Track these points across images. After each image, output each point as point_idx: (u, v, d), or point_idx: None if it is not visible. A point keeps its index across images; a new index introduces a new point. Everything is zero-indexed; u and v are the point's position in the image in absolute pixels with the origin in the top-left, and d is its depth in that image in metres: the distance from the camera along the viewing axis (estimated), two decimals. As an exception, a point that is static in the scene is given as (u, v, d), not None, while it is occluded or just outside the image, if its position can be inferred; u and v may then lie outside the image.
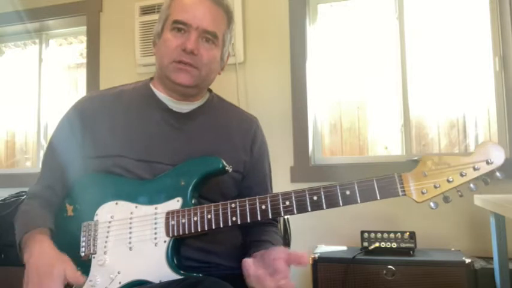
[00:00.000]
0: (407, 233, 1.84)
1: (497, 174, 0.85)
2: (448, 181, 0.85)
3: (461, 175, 0.85)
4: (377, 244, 1.85)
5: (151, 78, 1.18)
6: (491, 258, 1.72)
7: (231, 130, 1.16)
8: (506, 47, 2.11)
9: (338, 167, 2.25)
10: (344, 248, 2.01)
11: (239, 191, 1.14)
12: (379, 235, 1.87)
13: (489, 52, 2.19)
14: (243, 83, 2.40)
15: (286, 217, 2.09)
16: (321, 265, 1.83)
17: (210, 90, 1.22)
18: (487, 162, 0.85)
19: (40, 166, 1.16)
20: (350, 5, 2.50)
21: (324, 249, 1.99)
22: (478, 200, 1.69)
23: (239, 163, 1.13)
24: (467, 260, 1.68)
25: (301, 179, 2.25)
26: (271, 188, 1.25)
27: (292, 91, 2.33)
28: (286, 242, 2.09)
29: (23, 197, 1.14)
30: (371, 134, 2.43)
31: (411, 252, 1.81)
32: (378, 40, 2.41)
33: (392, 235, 1.85)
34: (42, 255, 0.93)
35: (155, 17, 2.42)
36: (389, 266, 1.74)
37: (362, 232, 1.90)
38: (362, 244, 1.88)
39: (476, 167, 0.85)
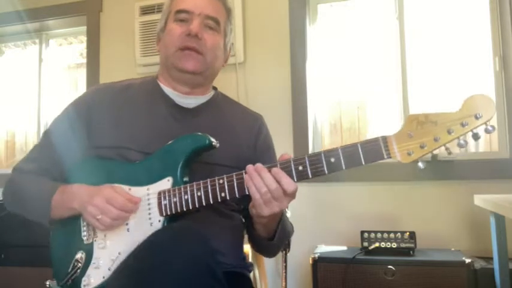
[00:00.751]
0: (407, 233, 1.84)
1: (488, 128, 0.79)
2: (435, 140, 0.81)
3: (449, 132, 0.80)
4: (377, 244, 1.85)
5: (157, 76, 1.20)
6: (491, 258, 1.71)
7: (235, 127, 1.17)
8: (506, 47, 2.11)
9: (338, 167, 2.25)
10: (344, 248, 2.01)
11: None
12: (379, 235, 1.87)
13: (489, 52, 2.19)
14: (243, 83, 2.40)
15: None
16: (321, 265, 1.83)
17: (215, 88, 1.24)
18: (476, 117, 0.79)
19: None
20: (350, 5, 2.50)
21: (324, 249, 1.99)
22: (478, 200, 1.69)
23: (242, 160, 1.13)
24: (467, 260, 1.68)
25: (301, 179, 2.25)
26: None
27: (292, 91, 2.33)
28: (286, 242, 2.09)
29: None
30: (371, 134, 2.43)
31: (411, 252, 1.81)
32: (378, 40, 2.41)
33: (392, 235, 1.85)
34: (86, 188, 0.99)
35: (155, 17, 2.42)
36: (389, 266, 1.74)
37: (362, 232, 1.90)
38: (362, 244, 1.88)
39: (464, 122, 0.79)
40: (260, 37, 2.41)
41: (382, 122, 2.40)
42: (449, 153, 0.82)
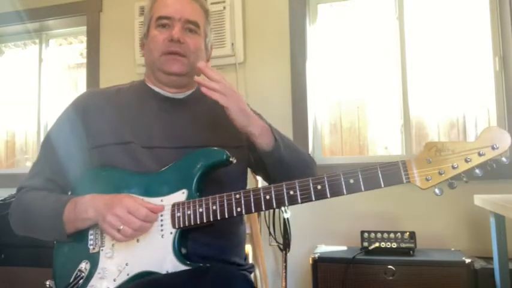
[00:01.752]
0: (407, 233, 1.84)
1: (503, 159, 0.83)
2: (453, 167, 0.84)
3: (466, 161, 0.83)
4: (377, 244, 1.85)
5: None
6: (491, 258, 1.72)
7: (222, 110, 1.18)
8: (506, 47, 2.11)
9: (338, 167, 2.25)
10: (344, 248, 2.02)
11: (258, 164, 1.13)
12: (379, 235, 1.87)
13: (489, 52, 2.19)
14: (243, 83, 2.40)
15: (286, 217, 2.09)
16: (321, 265, 1.83)
17: None
18: (493, 148, 0.82)
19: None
20: (350, 5, 2.50)
21: (324, 249, 1.99)
22: (478, 200, 1.69)
23: (240, 137, 1.13)
24: (467, 260, 1.68)
25: (301, 179, 2.25)
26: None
27: (292, 91, 2.33)
28: (287, 242, 2.10)
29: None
30: (371, 134, 2.43)
31: (411, 252, 1.81)
32: (377, 40, 2.41)
33: (392, 235, 1.85)
34: (102, 197, 0.98)
35: (155, 17, 2.42)
36: (390, 266, 1.74)
37: (362, 232, 1.90)
38: (362, 244, 1.88)
39: (481, 152, 0.83)
40: (260, 37, 2.41)
41: (382, 122, 2.40)
42: (466, 181, 0.85)
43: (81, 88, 2.91)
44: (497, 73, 2.15)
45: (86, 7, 2.74)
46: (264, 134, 1.03)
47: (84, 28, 2.77)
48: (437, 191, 0.85)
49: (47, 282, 1.05)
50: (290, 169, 1.07)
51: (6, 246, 2.14)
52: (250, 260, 1.86)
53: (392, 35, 2.36)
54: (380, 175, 0.86)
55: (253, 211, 0.93)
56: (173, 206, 0.97)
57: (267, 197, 0.91)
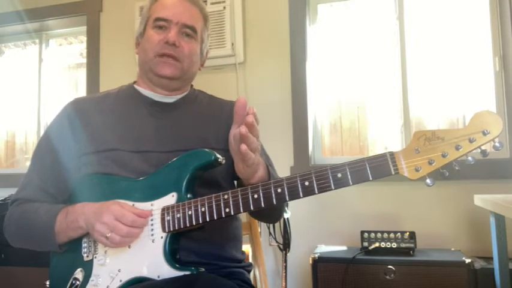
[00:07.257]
0: (407, 233, 1.84)
1: (496, 144, 0.79)
2: (443, 156, 0.81)
3: (457, 149, 0.80)
4: (377, 244, 1.85)
5: (134, 82, 1.23)
6: (491, 258, 1.72)
7: (213, 114, 1.20)
8: (506, 47, 2.11)
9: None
10: (344, 248, 2.02)
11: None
12: (379, 235, 1.87)
13: (489, 52, 2.19)
14: (243, 83, 2.40)
15: (286, 217, 2.09)
16: (321, 265, 1.83)
17: (190, 86, 1.27)
18: (484, 133, 0.79)
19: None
20: (350, 5, 2.50)
21: (324, 249, 1.99)
22: (478, 200, 1.69)
23: (227, 141, 1.14)
24: (467, 260, 1.68)
25: (301, 179, 2.25)
26: (268, 157, 1.22)
27: (292, 91, 2.33)
28: (286, 242, 2.10)
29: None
30: (371, 134, 2.43)
31: (411, 252, 1.81)
32: (377, 40, 2.41)
33: (392, 235, 1.85)
34: (91, 205, 0.98)
35: (155, 17, 2.42)
36: (389, 266, 1.74)
37: (362, 232, 1.90)
38: (362, 244, 1.88)
39: (472, 138, 0.79)
40: (260, 37, 2.41)
41: (382, 122, 2.40)
42: (458, 170, 0.82)
43: (81, 88, 2.91)
44: (497, 73, 2.15)
45: (86, 7, 2.74)
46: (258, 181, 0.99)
47: (84, 28, 2.78)
48: (428, 181, 0.82)
49: (47, 282, 1.06)
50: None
51: (6, 246, 2.14)
52: (250, 260, 1.86)
53: (392, 35, 2.36)
54: (368, 168, 0.84)
55: (241, 211, 0.91)
56: (163, 209, 0.96)
57: (255, 196, 0.90)
